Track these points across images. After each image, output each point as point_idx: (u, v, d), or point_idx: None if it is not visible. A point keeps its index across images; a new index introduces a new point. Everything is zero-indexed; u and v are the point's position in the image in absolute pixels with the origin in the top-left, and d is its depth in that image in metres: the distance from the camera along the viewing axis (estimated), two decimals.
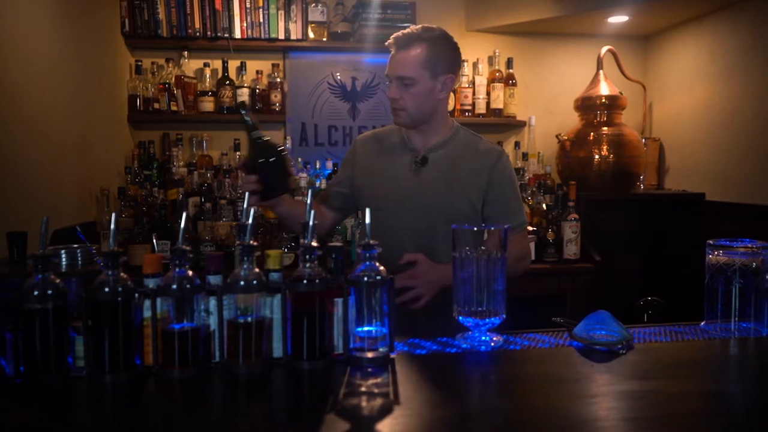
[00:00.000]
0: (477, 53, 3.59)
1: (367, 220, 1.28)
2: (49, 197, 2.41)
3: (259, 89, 3.37)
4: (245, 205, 1.30)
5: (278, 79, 3.39)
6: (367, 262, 1.26)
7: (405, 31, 1.89)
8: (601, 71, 3.42)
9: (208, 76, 3.33)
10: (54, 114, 2.47)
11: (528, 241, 2.17)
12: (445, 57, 1.88)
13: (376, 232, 1.42)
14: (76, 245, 1.48)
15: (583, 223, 3.12)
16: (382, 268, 1.26)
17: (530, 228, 3.12)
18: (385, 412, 1.03)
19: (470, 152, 1.93)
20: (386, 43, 1.90)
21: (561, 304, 3.06)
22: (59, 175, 2.52)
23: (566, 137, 3.40)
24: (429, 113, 1.90)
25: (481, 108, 3.51)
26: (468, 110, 3.50)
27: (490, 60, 3.61)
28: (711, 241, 1.48)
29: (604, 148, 3.29)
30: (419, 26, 1.90)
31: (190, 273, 1.21)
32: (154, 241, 1.45)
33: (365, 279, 1.24)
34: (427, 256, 1.77)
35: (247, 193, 1.36)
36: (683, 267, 3.16)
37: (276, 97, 3.37)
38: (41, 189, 2.34)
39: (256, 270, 1.23)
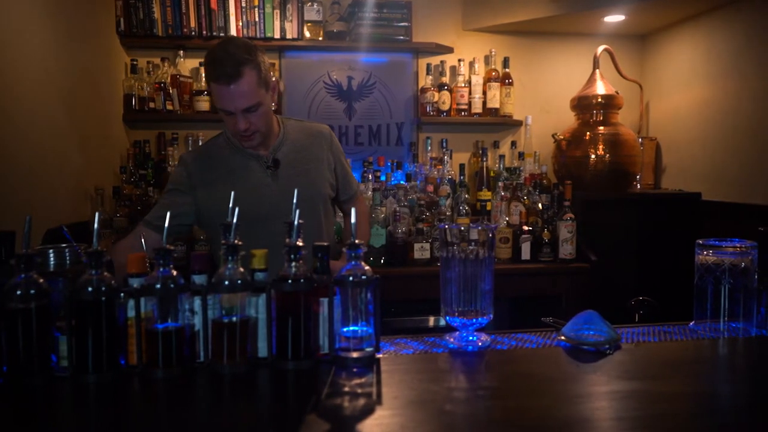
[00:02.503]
0: (473, 53, 3.58)
1: (353, 219, 1.28)
2: (43, 196, 2.40)
3: None
4: (230, 205, 1.29)
5: (274, 79, 3.37)
6: (353, 262, 1.26)
7: (224, 60, 1.77)
8: (597, 70, 3.41)
9: (203, 75, 3.32)
10: (49, 113, 2.47)
11: None
12: (265, 66, 1.88)
13: (258, 246, 1.33)
14: (64, 245, 1.47)
15: (579, 223, 3.11)
16: (367, 267, 1.26)
17: (526, 228, 3.12)
18: (367, 412, 1.02)
19: (306, 138, 2.02)
20: (211, 80, 1.80)
21: (556, 304, 3.06)
22: (54, 175, 2.51)
23: (562, 137, 3.39)
24: (272, 122, 1.95)
25: (477, 107, 3.50)
26: (464, 110, 3.49)
27: (487, 59, 3.61)
28: (700, 241, 1.47)
29: (600, 147, 3.28)
30: (228, 46, 1.80)
31: (174, 272, 1.21)
32: (142, 240, 1.44)
33: (350, 279, 1.24)
34: None
35: (232, 193, 1.35)
36: (679, 267, 3.15)
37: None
38: (35, 188, 2.33)
39: (241, 269, 1.23)
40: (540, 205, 3.23)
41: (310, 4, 3.37)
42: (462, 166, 3.41)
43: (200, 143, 3.35)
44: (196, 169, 1.96)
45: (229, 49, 1.79)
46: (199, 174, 1.95)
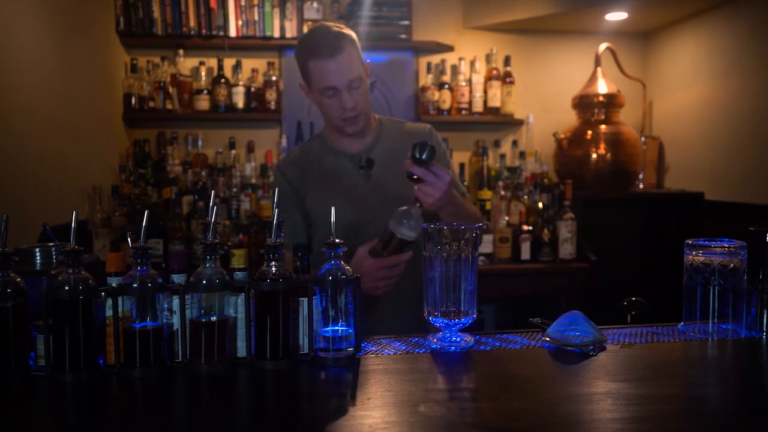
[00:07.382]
0: (474, 51, 3.56)
1: (332, 218, 1.27)
2: (42, 195, 2.41)
3: (254, 87, 3.36)
4: (211, 203, 1.28)
5: (274, 78, 3.38)
6: (333, 262, 1.25)
7: (322, 36, 1.73)
8: (599, 69, 3.38)
9: (203, 74, 3.33)
10: (48, 112, 2.48)
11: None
12: (359, 45, 1.80)
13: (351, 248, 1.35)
14: (51, 244, 1.47)
15: (579, 223, 3.09)
16: (347, 267, 1.25)
17: (526, 227, 3.10)
18: (339, 412, 1.01)
19: (404, 137, 1.86)
20: (311, 58, 1.72)
21: (556, 304, 3.04)
22: (52, 174, 2.52)
23: (563, 135, 3.36)
24: (370, 110, 1.84)
25: (478, 106, 3.49)
26: (465, 108, 3.48)
27: (488, 58, 3.59)
28: (689, 241, 1.45)
29: (602, 146, 3.25)
30: (323, 26, 1.76)
31: (153, 272, 1.20)
32: (129, 240, 1.43)
33: (330, 278, 1.23)
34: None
35: (213, 192, 1.34)
36: (681, 268, 3.11)
37: (271, 95, 3.37)
38: (34, 187, 2.34)
39: (220, 269, 1.22)
40: (540, 205, 3.21)
41: (309, 2, 3.36)
42: (462, 166, 3.40)
43: (199, 143, 3.36)
44: (293, 175, 1.86)
45: (323, 28, 1.75)
46: (296, 179, 1.85)
